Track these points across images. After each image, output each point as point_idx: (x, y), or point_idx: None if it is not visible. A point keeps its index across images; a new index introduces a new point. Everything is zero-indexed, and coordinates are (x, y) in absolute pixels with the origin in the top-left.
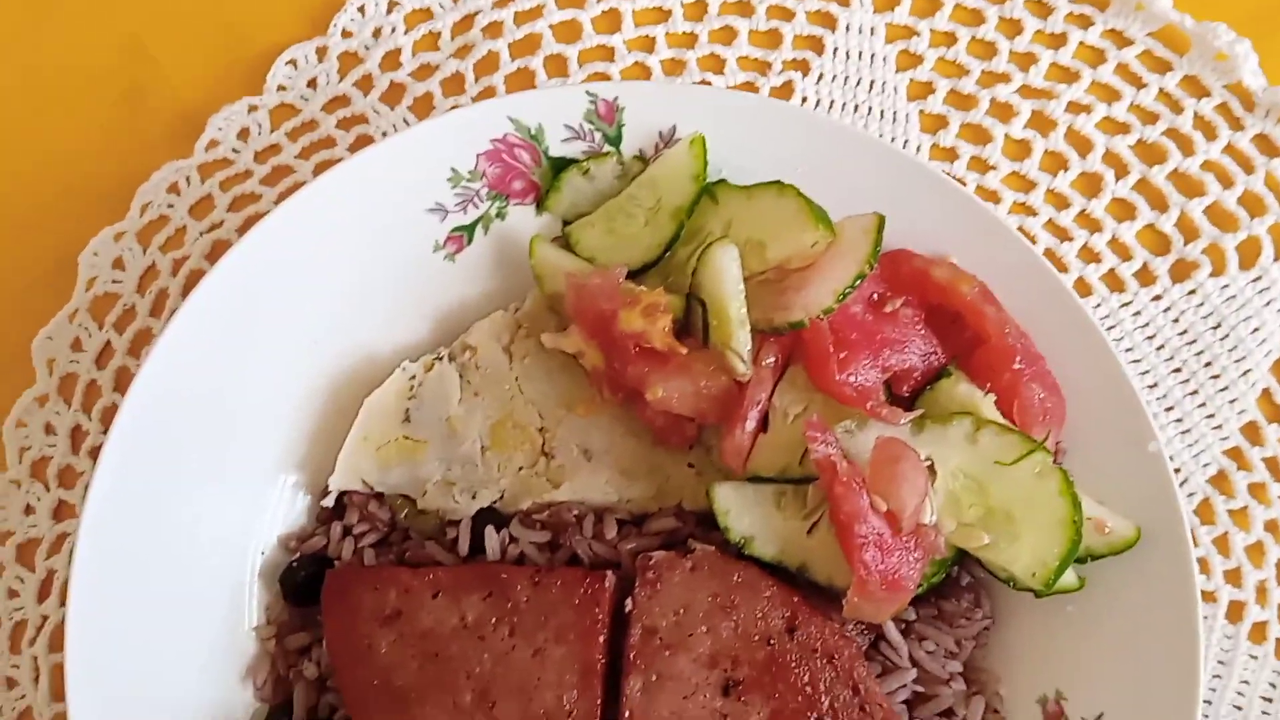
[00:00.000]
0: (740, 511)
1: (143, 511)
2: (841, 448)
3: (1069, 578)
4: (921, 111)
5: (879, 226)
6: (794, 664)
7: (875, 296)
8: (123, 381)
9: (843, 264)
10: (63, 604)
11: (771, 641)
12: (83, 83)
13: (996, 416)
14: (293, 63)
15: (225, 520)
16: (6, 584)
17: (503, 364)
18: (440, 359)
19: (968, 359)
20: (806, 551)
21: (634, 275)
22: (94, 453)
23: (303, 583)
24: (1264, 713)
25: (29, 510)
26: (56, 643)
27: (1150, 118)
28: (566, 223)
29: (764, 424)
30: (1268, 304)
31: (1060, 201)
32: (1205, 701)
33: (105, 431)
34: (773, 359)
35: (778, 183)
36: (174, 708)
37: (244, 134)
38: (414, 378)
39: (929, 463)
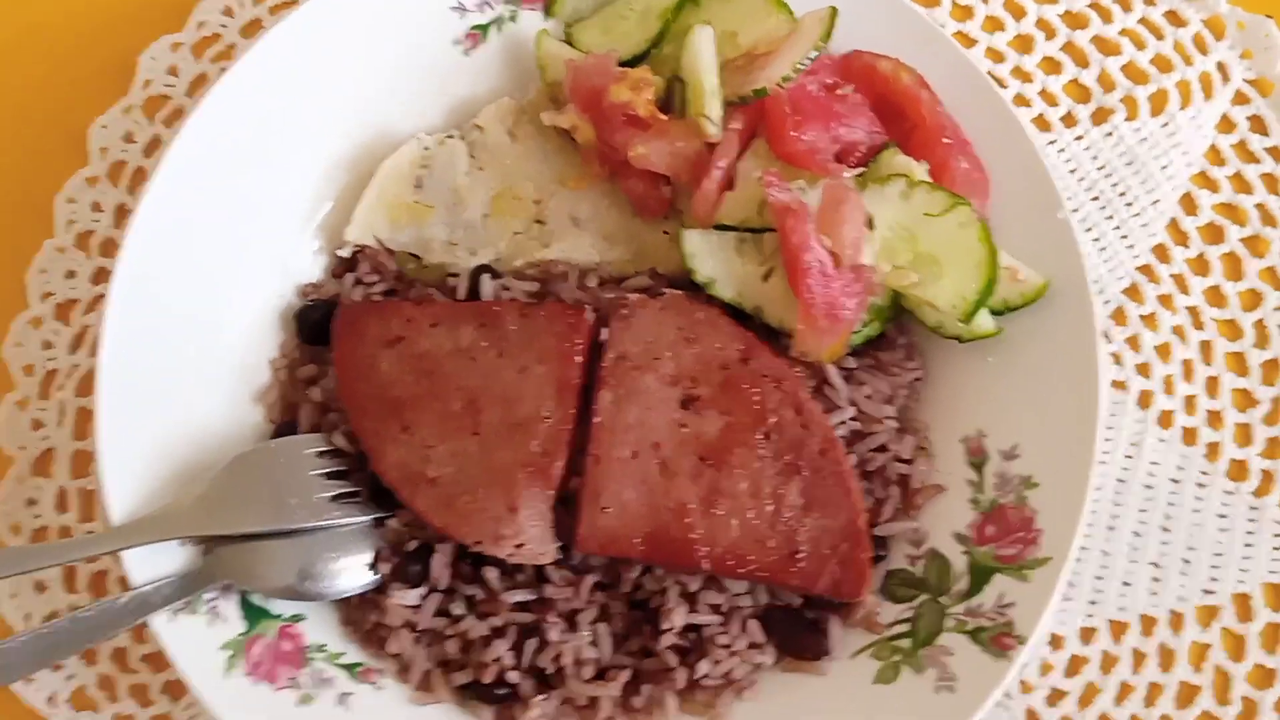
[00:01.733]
0: (705, 255)
1: (175, 255)
2: (794, 194)
3: (988, 322)
4: None
5: (832, 15)
6: (746, 386)
7: (829, 82)
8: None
9: (800, 44)
10: (93, 355)
11: (727, 367)
12: None
13: (928, 179)
14: None
15: (250, 271)
16: (43, 336)
17: (506, 144)
18: (452, 136)
19: (906, 143)
20: (761, 296)
21: (624, 66)
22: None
23: (315, 322)
24: (1171, 493)
25: (70, 274)
26: (84, 388)
27: None
28: (569, 26)
29: (729, 183)
30: (1175, 145)
31: (997, 56)
32: (1119, 480)
33: (138, 201)
34: (739, 125)
35: None
36: (190, 425)
37: None
38: (427, 149)
39: (869, 217)
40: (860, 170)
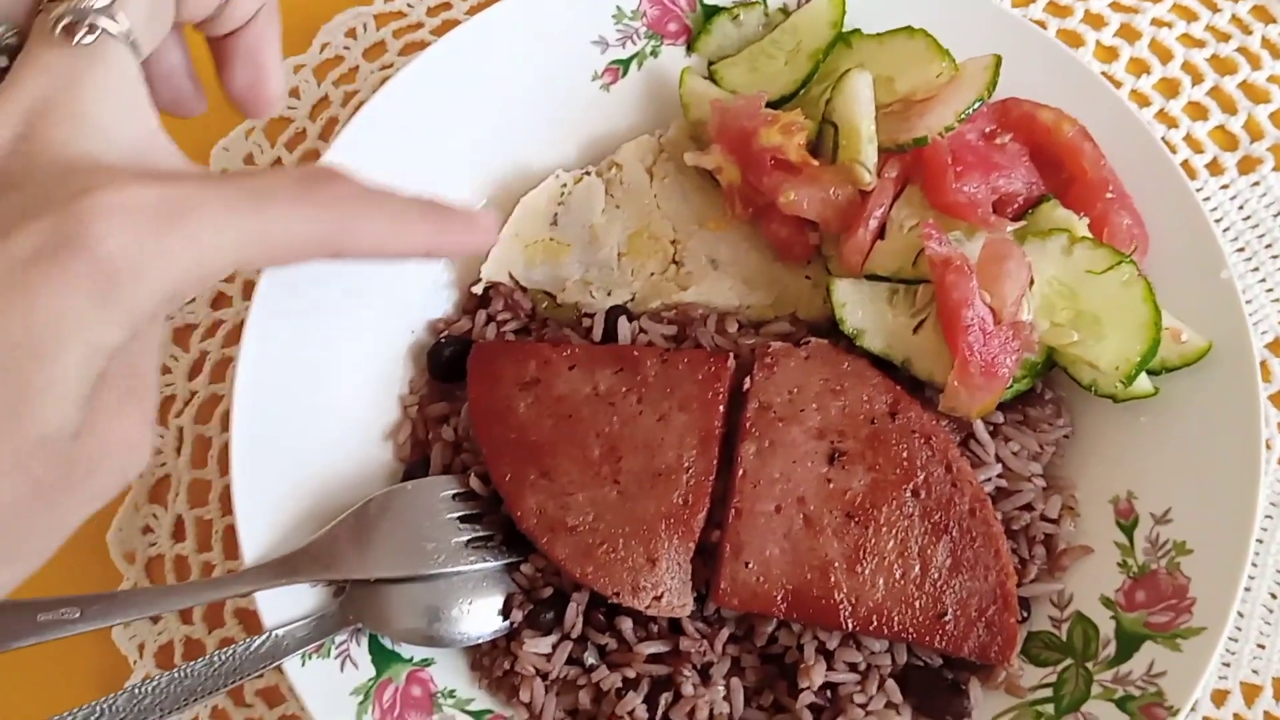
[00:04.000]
0: (855, 305)
1: (306, 291)
2: (954, 247)
3: (1145, 384)
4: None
5: (997, 63)
6: (894, 441)
7: (987, 131)
8: None
9: (963, 93)
10: (212, 382)
11: (875, 421)
12: None
13: (1089, 234)
14: None
15: (382, 305)
16: (161, 361)
17: (644, 182)
18: (589, 173)
19: (1065, 195)
20: (911, 348)
21: (772, 107)
22: None
23: (448, 359)
24: None
25: (190, 300)
26: (203, 415)
27: (1223, 36)
28: (712, 63)
29: (881, 232)
30: None
31: (1142, 100)
32: (1257, 540)
33: None
34: (894, 173)
35: (908, 27)
36: (321, 463)
37: None
38: (565, 186)
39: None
40: (1019, 224)
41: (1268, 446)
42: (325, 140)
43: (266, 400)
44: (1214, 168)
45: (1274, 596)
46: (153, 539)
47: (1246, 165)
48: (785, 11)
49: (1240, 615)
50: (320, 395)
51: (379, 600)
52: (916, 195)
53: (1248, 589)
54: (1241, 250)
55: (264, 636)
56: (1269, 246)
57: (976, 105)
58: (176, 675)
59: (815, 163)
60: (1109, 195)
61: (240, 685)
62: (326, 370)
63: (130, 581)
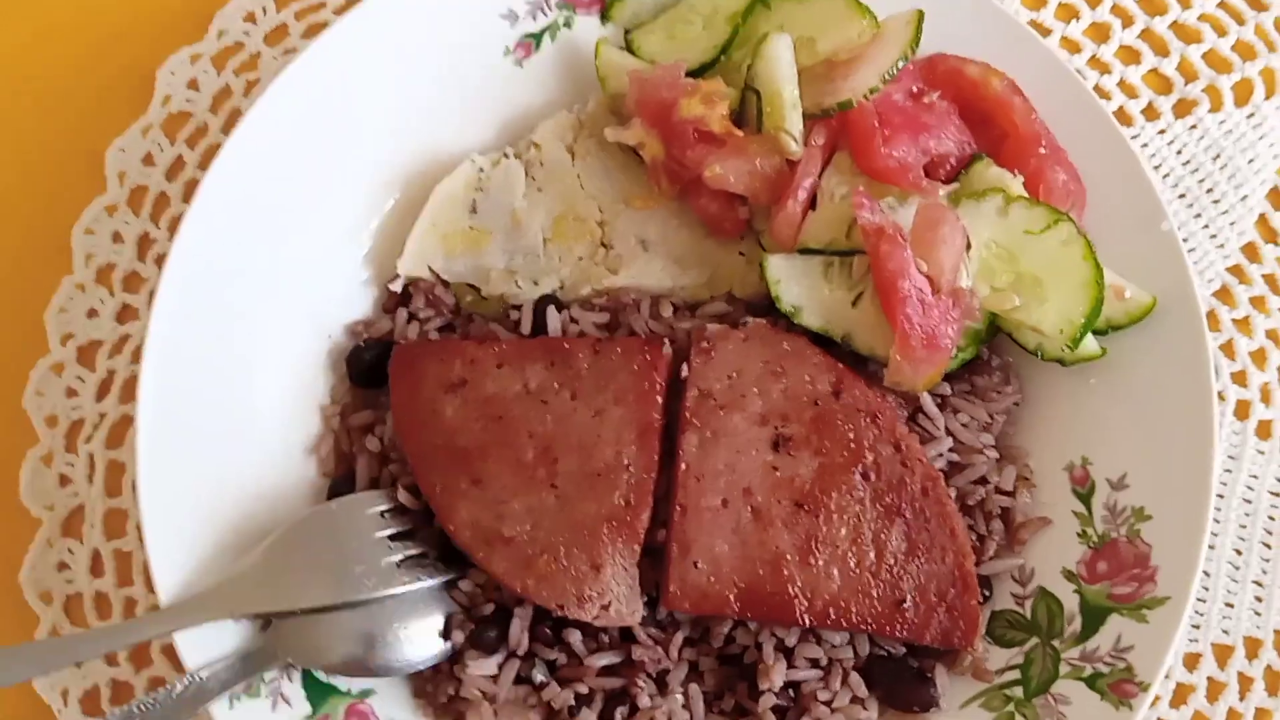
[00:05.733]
0: (790, 281)
1: (212, 296)
2: (886, 215)
3: (1092, 345)
4: None
5: (919, 19)
6: (840, 422)
7: (914, 90)
8: (193, 194)
9: (886, 51)
10: (122, 402)
11: (819, 402)
12: None
13: (1025, 193)
14: None
15: (294, 308)
16: (66, 384)
17: (565, 161)
18: (507, 155)
19: (998, 153)
20: (850, 322)
21: (692, 77)
22: (160, 260)
23: (368, 363)
24: (1272, 505)
25: (92, 313)
26: (114, 439)
27: None
28: (628, 32)
29: (812, 202)
30: (1261, 138)
31: (1073, 47)
32: (1218, 495)
33: (172, 239)
34: (821, 140)
35: None
36: (239, 483)
37: None
38: (482, 170)
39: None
40: (953, 186)
41: (1221, 398)
42: (228, 135)
43: (174, 421)
44: (1150, 113)
45: (1238, 553)
46: (69, 575)
47: (1182, 108)
48: None
49: (1206, 575)
50: (234, 411)
51: (309, 631)
52: (846, 162)
53: (1211, 546)
54: (1183, 196)
55: (186, 680)
56: (1209, 191)
57: (900, 64)
58: None
59: (740, 133)
60: (1042, 150)
61: None
62: (239, 383)
63: (48, 623)
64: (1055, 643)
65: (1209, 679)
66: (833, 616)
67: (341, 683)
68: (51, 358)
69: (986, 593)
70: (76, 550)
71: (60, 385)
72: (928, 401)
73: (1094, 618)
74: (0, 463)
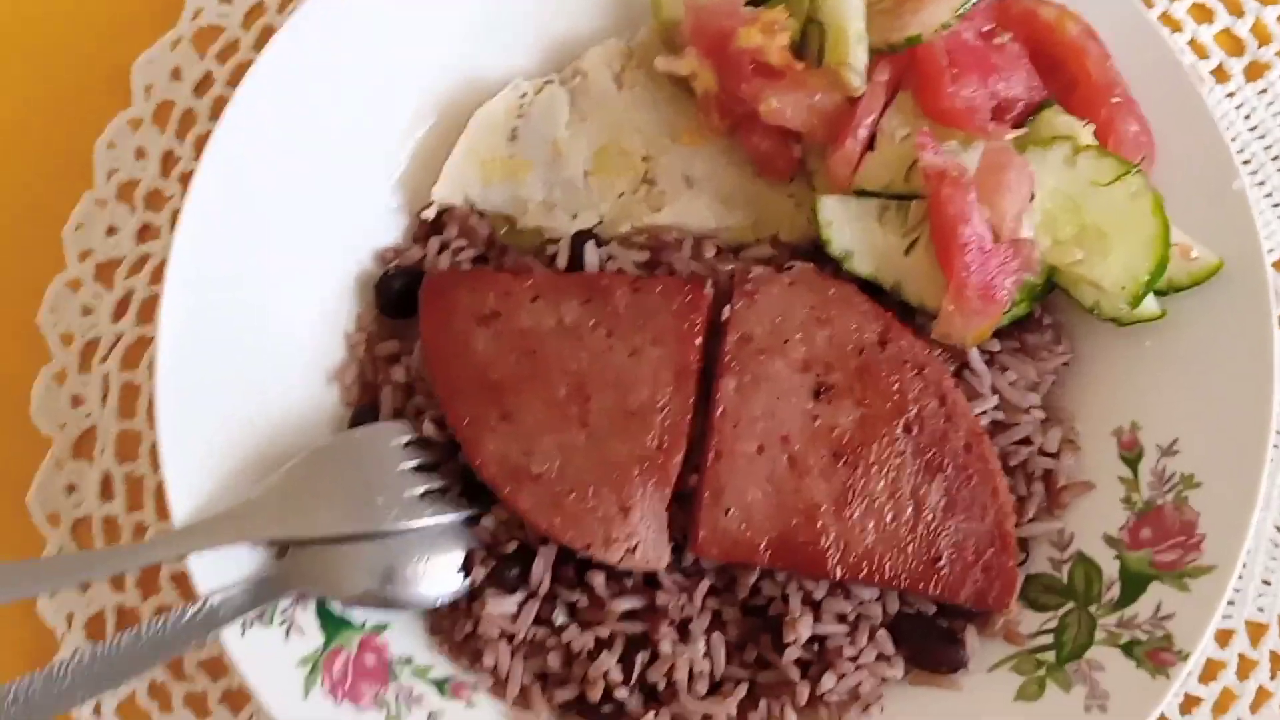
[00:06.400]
0: (842, 224)
1: (237, 216)
2: (950, 158)
3: (1152, 305)
4: None
5: None
6: (885, 373)
7: (986, 30)
8: (221, 112)
9: None
10: (140, 322)
11: (864, 352)
12: None
13: (1094, 142)
14: None
15: (322, 232)
16: (82, 301)
17: (612, 91)
18: (551, 82)
19: (1068, 100)
20: (902, 270)
21: (753, 4)
22: (185, 178)
23: (398, 292)
24: None
25: (111, 231)
26: (130, 360)
27: None
28: None
29: (871, 143)
30: None
31: (1146, 2)
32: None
33: (198, 157)
34: (885, 77)
35: None
36: (258, 406)
37: None
38: (524, 96)
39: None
40: (1020, 131)
41: None
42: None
43: (196, 341)
44: (1219, 74)
45: (1279, 529)
46: (78, 499)
47: (1254, 71)
48: None
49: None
50: (257, 334)
51: (326, 561)
52: (909, 102)
53: None
54: (1247, 163)
55: (198, 604)
56: (1276, 159)
57: (974, 1)
58: (100, 651)
59: (799, 66)
60: (1115, 100)
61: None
62: (263, 306)
63: (54, 547)
64: (1092, 608)
65: (1240, 656)
66: (865, 571)
67: (356, 615)
68: (68, 274)
69: (1023, 555)
70: (86, 472)
71: (76, 303)
72: (975, 357)
73: (1134, 585)
74: (12, 380)
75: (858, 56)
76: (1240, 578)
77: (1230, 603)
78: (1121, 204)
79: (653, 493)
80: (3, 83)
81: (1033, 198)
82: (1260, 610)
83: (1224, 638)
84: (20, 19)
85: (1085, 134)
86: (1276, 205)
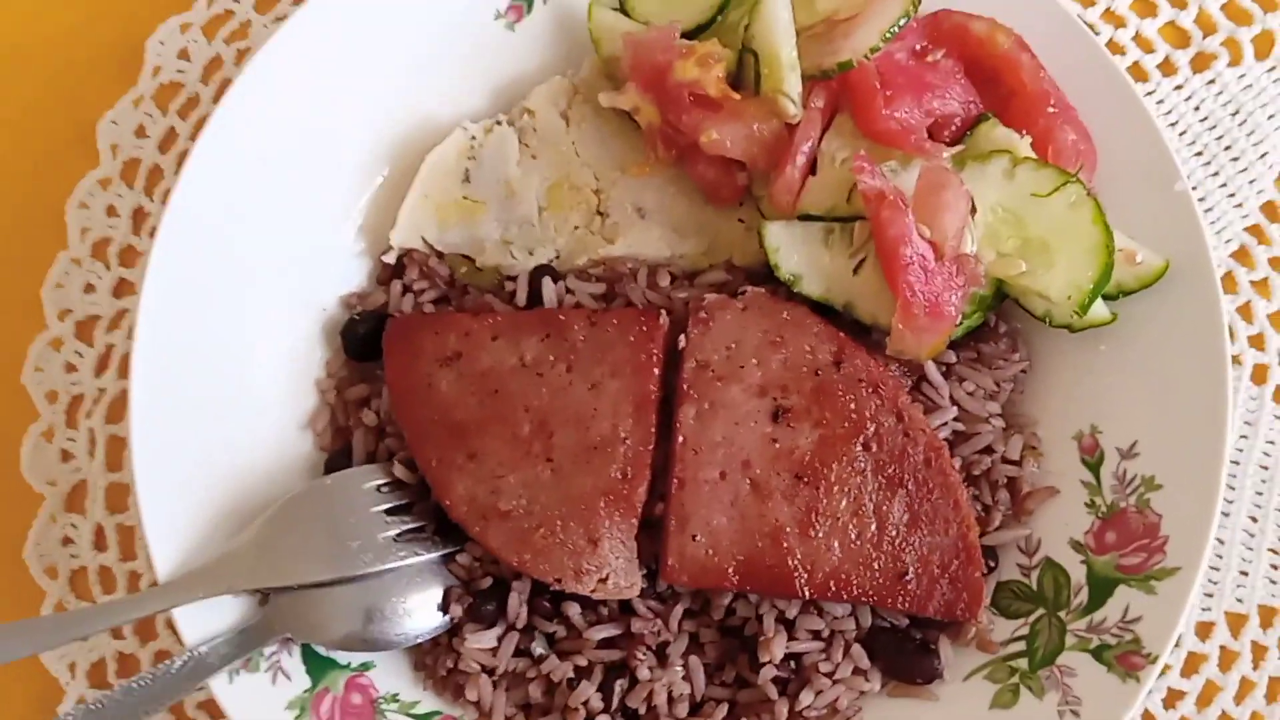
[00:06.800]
0: (789, 249)
1: (204, 271)
2: (887, 180)
3: (1102, 310)
4: None
5: None
6: (841, 393)
7: (918, 48)
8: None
9: (887, 9)
10: (121, 377)
11: (819, 373)
12: None
13: (1032, 154)
14: None
15: (287, 280)
16: (64, 359)
17: (560, 128)
18: (499, 123)
19: (1005, 112)
20: (851, 290)
21: (689, 37)
22: (155, 233)
23: (363, 336)
24: None
25: (89, 288)
26: (114, 414)
27: None
28: None
29: (812, 167)
30: None
31: (1087, 1)
32: (1233, 462)
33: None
34: (821, 103)
35: None
36: (234, 458)
37: None
38: (474, 138)
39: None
40: (957, 148)
41: (1237, 362)
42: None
43: (169, 398)
44: (1166, 67)
45: (1254, 520)
46: (74, 550)
47: (1200, 63)
48: None
49: (1220, 542)
50: (229, 387)
51: (307, 606)
52: (847, 124)
53: (1226, 514)
54: (1200, 154)
55: (185, 656)
56: (1228, 149)
57: (903, 21)
58: (94, 707)
59: (737, 96)
60: (1051, 109)
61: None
62: (234, 359)
63: (53, 598)
64: (1062, 614)
65: (1222, 648)
66: (833, 589)
67: (341, 656)
68: (50, 333)
69: (992, 563)
70: (80, 525)
71: (59, 361)
72: (932, 370)
73: (1102, 589)
74: (1, 439)
75: (792, 84)
76: (1217, 569)
77: (1208, 595)
78: (1062, 214)
79: (619, 523)
80: None
81: (974, 212)
82: (1239, 601)
83: (1204, 630)
84: None
85: (1023, 146)
86: (1231, 196)
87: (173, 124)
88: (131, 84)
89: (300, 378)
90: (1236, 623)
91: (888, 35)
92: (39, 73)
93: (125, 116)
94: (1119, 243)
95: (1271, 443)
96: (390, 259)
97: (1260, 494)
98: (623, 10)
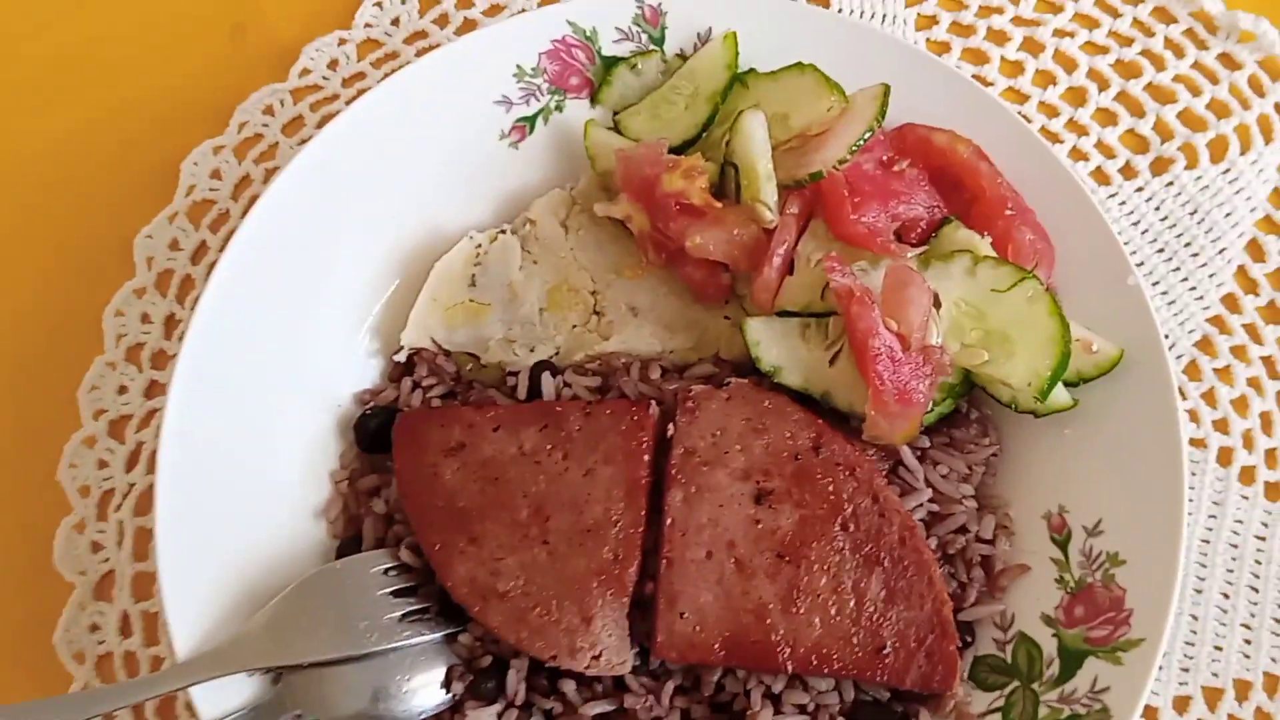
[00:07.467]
0: (769, 343)
1: (228, 371)
2: (856, 279)
3: (1064, 396)
4: (928, 40)
5: (885, 93)
6: (820, 476)
7: (885, 159)
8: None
9: (854, 124)
10: (150, 472)
11: (799, 457)
12: (193, 24)
13: (992, 253)
14: (379, 3)
15: (305, 380)
16: (98, 455)
17: (559, 236)
18: (504, 231)
19: (967, 215)
20: (829, 380)
21: (675, 152)
22: (184, 337)
23: (374, 430)
24: (1258, 549)
25: (122, 390)
26: (142, 507)
27: (1126, 41)
28: (616, 113)
29: (790, 268)
30: (1237, 192)
31: (1050, 111)
32: (1203, 540)
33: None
34: (796, 209)
35: (799, 63)
36: (252, 546)
37: (333, 64)
38: (480, 246)
39: (935, 296)
40: (922, 248)
41: (1203, 445)
42: None
43: (191, 490)
44: (1127, 171)
45: (1225, 596)
46: (100, 636)
47: (1159, 166)
48: (683, 57)
49: (1194, 619)
50: (250, 478)
51: (317, 684)
52: (821, 229)
53: (1199, 590)
54: (1161, 251)
55: None
56: (1188, 245)
57: (867, 135)
58: None
59: (719, 205)
60: (1009, 212)
61: None
62: (253, 452)
63: (80, 682)
64: (1035, 685)
65: None
66: (815, 663)
67: None
68: (84, 431)
69: (969, 638)
70: (107, 612)
71: (92, 457)
72: (907, 454)
73: (1072, 661)
74: (35, 531)
75: (768, 193)
76: (1192, 644)
77: (1184, 670)
78: (1020, 307)
79: (611, 602)
80: (20, 258)
81: (939, 306)
82: (1215, 675)
83: (1182, 704)
84: (30, 199)
85: (983, 245)
86: (1193, 289)
87: (204, 237)
88: (167, 201)
89: (315, 469)
90: (1213, 696)
91: (854, 148)
92: (83, 190)
93: (161, 231)
94: (1076, 333)
95: (1240, 521)
96: (401, 358)
97: (1231, 570)
98: (616, 129)
